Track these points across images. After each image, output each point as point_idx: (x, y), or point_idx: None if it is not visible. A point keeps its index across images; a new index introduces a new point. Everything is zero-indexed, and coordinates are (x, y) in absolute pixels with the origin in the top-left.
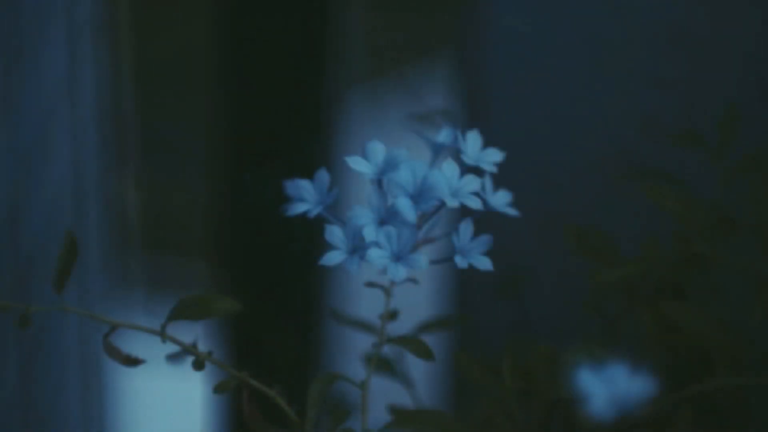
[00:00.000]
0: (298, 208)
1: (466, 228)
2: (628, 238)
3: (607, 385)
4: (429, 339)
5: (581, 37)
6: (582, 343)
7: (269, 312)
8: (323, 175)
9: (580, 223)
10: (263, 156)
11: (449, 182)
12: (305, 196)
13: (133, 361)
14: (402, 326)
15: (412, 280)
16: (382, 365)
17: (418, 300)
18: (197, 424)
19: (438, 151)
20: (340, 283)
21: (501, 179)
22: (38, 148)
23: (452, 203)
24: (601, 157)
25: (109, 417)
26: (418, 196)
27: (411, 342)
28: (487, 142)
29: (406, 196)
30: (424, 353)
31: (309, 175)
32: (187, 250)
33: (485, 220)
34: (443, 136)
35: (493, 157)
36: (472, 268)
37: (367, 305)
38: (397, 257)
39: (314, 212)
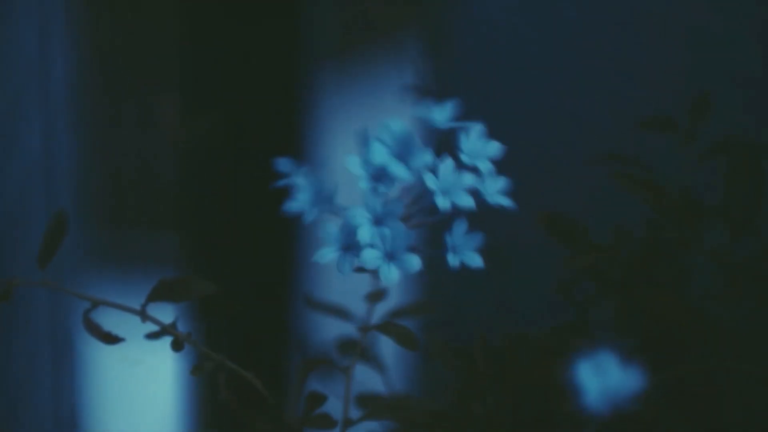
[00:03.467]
0: (293, 208)
1: (460, 225)
2: (600, 223)
3: (598, 377)
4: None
5: (552, 21)
6: (554, 329)
7: (243, 292)
8: (317, 175)
9: (551, 207)
10: (236, 137)
11: (442, 180)
12: (301, 195)
13: (112, 339)
14: (376, 312)
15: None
16: (353, 349)
17: (391, 286)
18: (168, 399)
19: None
20: (315, 264)
21: None
22: (9, 124)
23: (443, 204)
24: (570, 142)
25: (80, 393)
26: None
27: (394, 329)
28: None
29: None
30: (409, 342)
31: (283, 152)
32: (160, 227)
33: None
34: (440, 115)
35: (492, 151)
36: (464, 266)
37: (342, 286)
38: (390, 257)
39: (311, 215)
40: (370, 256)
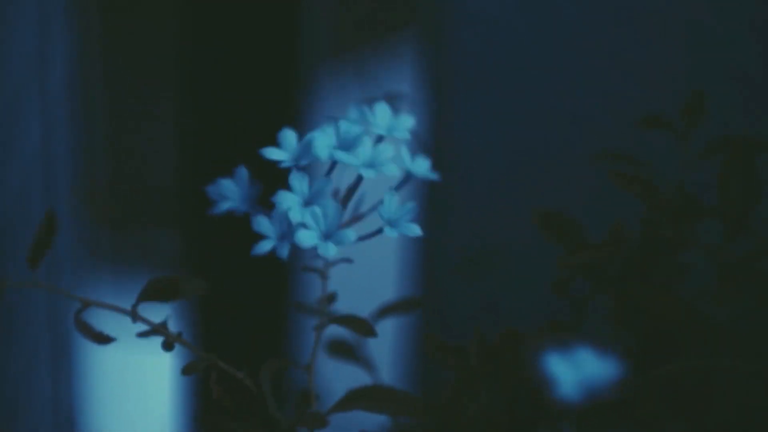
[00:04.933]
0: (223, 206)
1: (390, 198)
2: (597, 221)
3: (573, 368)
4: (394, 323)
5: (548, 19)
6: (549, 326)
7: (236, 292)
8: (242, 172)
9: (548, 205)
10: (233, 137)
11: (366, 155)
12: (228, 194)
13: (103, 339)
14: (367, 309)
15: (347, 261)
16: (343, 350)
17: (383, 282)
18: (165, 399)
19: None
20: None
21: (465, 162)
22: (7, 123)
23: (369, 174)
24: (569, 141)
25: (77, 393)
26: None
27: (351, 320)
28: (457, 125)
29: (327, 142)
30: (365, 330)
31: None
32: (157, 227)
33: (452, 203)
34: (379, 116)
35: (406, 124)
36: (402, 236)
37: (332, 287)
38: (326, 236)
39: (241, 209)
40: (305, 236)
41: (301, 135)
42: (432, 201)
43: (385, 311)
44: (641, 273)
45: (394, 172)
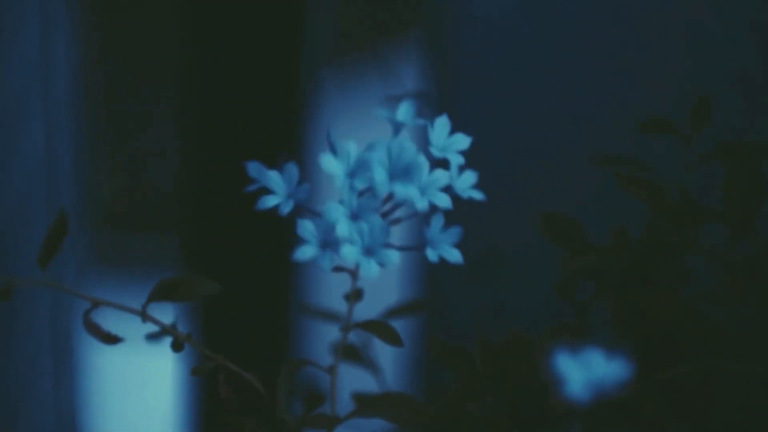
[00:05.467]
0: (269, 202)
1: (437, 220)
2: (599, 224)
3: (582, 368)
4: (399, 324)
5: (549, 20)
6: (552, 329)
7: (242, 294)
8: (292, 169)
9: (550, 208)
10: (236, 138)
11: (422, 184)
12: (275, 189)
13: (112, 339)
14: (371, 311)
15: (381, 265)
16: (349, 352)
17: (387, 285)
18: (167, 401)
19: (398, 129)
20: (313, 266)
21: (467, 164)
22: (10, 126)
23: (422, 206)
24: (570, 143)
25: (80, 395)
26: (393, 173)
27: (378, 326)
28: (457, 125)
29: (383, 169)
30: (391, 338)
31: (279, 157)
32: (160, 229)
33: (454, 205)
34: (402, 114)
35: (460, 144)
36: (442, 260)
37: (340, 287)
38: (369, 252)
39: (286, 209)
40: (349, 252)
41: (301, 137)
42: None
43: (390, 314)
44: (644, 276)
45: (447, 205)
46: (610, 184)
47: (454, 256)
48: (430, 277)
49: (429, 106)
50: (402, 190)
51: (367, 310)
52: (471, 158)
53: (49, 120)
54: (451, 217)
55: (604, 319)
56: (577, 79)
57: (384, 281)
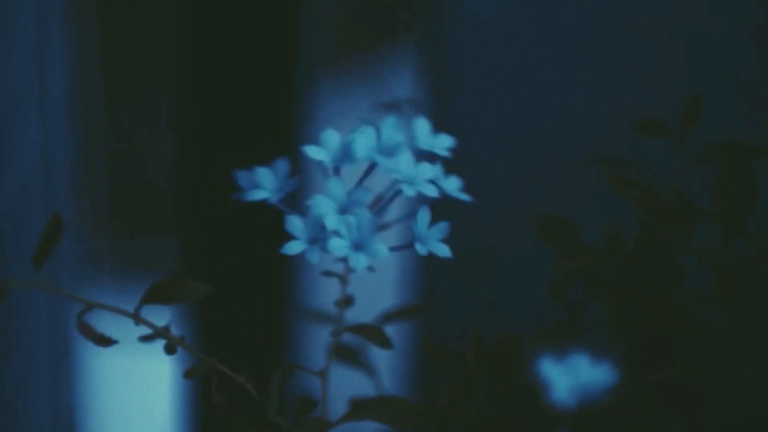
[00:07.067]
0: (257, 195)
1: (424, 215)
2: (594, 225)
3: (567, 373)
4: (394, 327)
5: (546, 22)
6: (546, 331)
7: (238, 296)
8: (282, 164)
9: (545, 209)
10: (232, 141)
11: (405, 171)
12: (264, 183)
13: (106, 341)
14: (367, 315)
15: (370, 269)
16: (345, 355)
17: (383, 289)
18: (164, 403)
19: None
20: (308, 269)
21: (463, 165)
22: (7, 127)
23: (409, 192)
24: (566, 144)
25: (76, 396)
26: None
27: (368, 330)
28: (454, 127)
29: (366, 142)
30: (382, 341)
31: (279, 155)
32: (157, 230)
33: (451, 208)
34: (389, 123)
35: (445, 142)
36: (432, 256)
37: (336, 291)
38: (357, 246)
39: (274, 199)
40: (337, 245)
41: (300, 140)
42: (430, 205)
43: (387, 318)
44: (638, 277)
45: (433, 194)
46: (605, 185)
47: (443, 250)
48: (425, 280)
49: (419, 112)
50: (387, 162)
51: (363, 314)
52: (466, 159)
53: (45, 121)
54: (446, 219)
55: (597, 320)
56: (574, 80)
57: (380, 285)
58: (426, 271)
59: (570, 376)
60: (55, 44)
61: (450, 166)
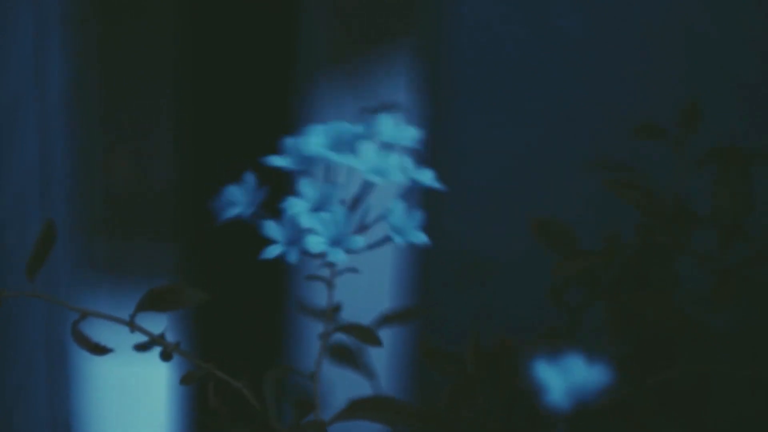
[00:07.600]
0: (231, 212)
1: (398, 206)
2: (592, 229)
3: (562, 375)
4: (392, 330)
5: (545, 26)
6: (544, 334)
7: (236, 301)
8: (249, 178)
9: (544, 213)
10: (229, 146)
11: (372, 162)
12: (236, 200)
13: (101, 350)
14: (364, 319)
15: (353, 270)
16: (344, 357)
17: (380, 292)
18: (162, 410)
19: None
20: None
21: (462, 168)
22: (4, 133)
23: (377, 181)
24: (565, 148)
25: (74, 403)
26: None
27: (356, 329)
28: (452, 130)
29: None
30: (370, 339)
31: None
32: (154, 237)
33: (447, 211)
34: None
35: (410, 133)
36: (410, 244)
37: (334, 297)
38: (335, 242)
39: (247, 212)
40: (314, 241)
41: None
42: (427, 209)
43: (385, 320)
44: (636, 281)
45: (401, 180)
46: (604, 190)
47: (420, 238)
48: (423, 282)
49: (403, 115)
50: (336, 156)
51: (361, 318)
52: (464, 162)
53: (43, 128)
54: (442, 222)
55: (596, 324)
56: (574, 86)
57: (376, 286)
58: (423, 275)
59: (564, 378)
60: (53, 50)
61: (447, 170)
